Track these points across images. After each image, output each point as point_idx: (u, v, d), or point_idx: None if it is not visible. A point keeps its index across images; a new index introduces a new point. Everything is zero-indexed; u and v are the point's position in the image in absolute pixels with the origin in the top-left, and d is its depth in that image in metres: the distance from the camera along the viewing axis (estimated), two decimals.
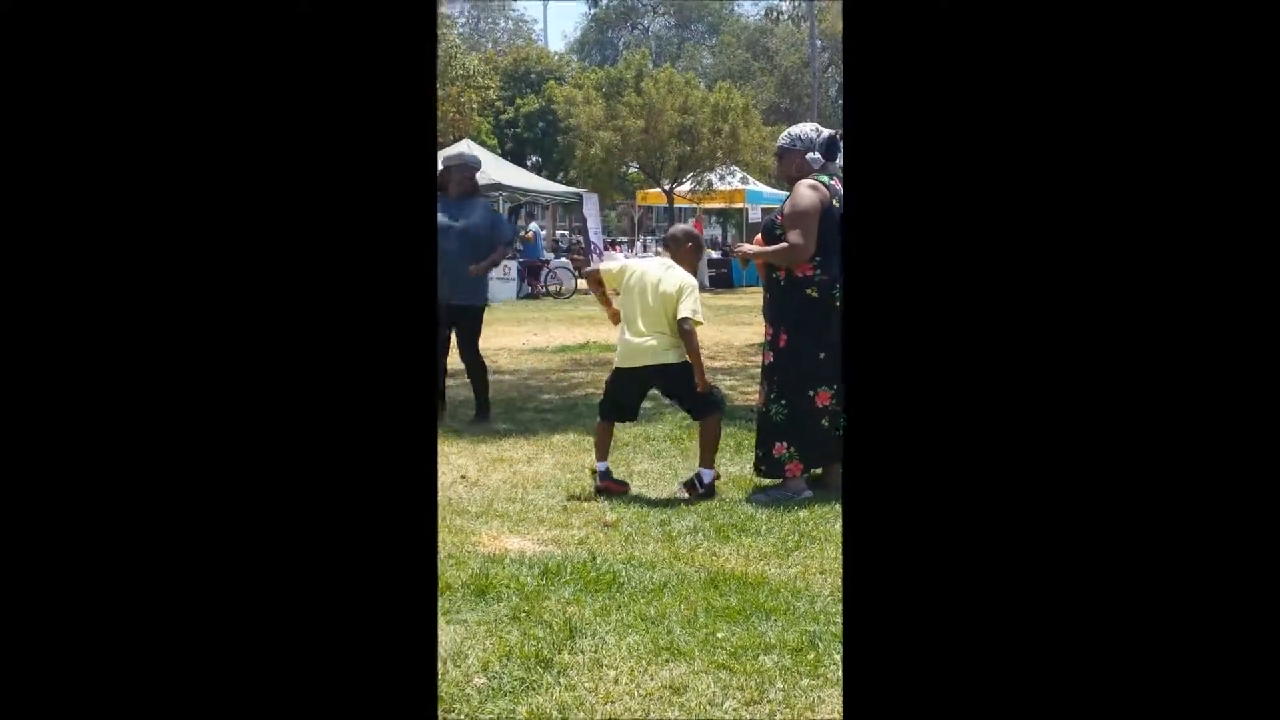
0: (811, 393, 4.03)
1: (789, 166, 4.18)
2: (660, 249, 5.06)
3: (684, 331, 4.07)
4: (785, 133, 4.31)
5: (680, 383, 4.17)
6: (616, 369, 4.28)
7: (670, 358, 4.11)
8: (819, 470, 4.19)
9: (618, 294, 4.27)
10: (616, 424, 4.34)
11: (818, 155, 4.10)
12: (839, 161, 4.13)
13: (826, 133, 4.19)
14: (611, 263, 4.44)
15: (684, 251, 4.35)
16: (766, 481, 4.20)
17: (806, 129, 4.22)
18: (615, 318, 4.33)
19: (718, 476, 4.19)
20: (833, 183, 4.06)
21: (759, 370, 7.73)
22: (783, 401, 4.07)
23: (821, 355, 4.02)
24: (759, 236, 4.42)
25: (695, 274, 4.30)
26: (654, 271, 4.19)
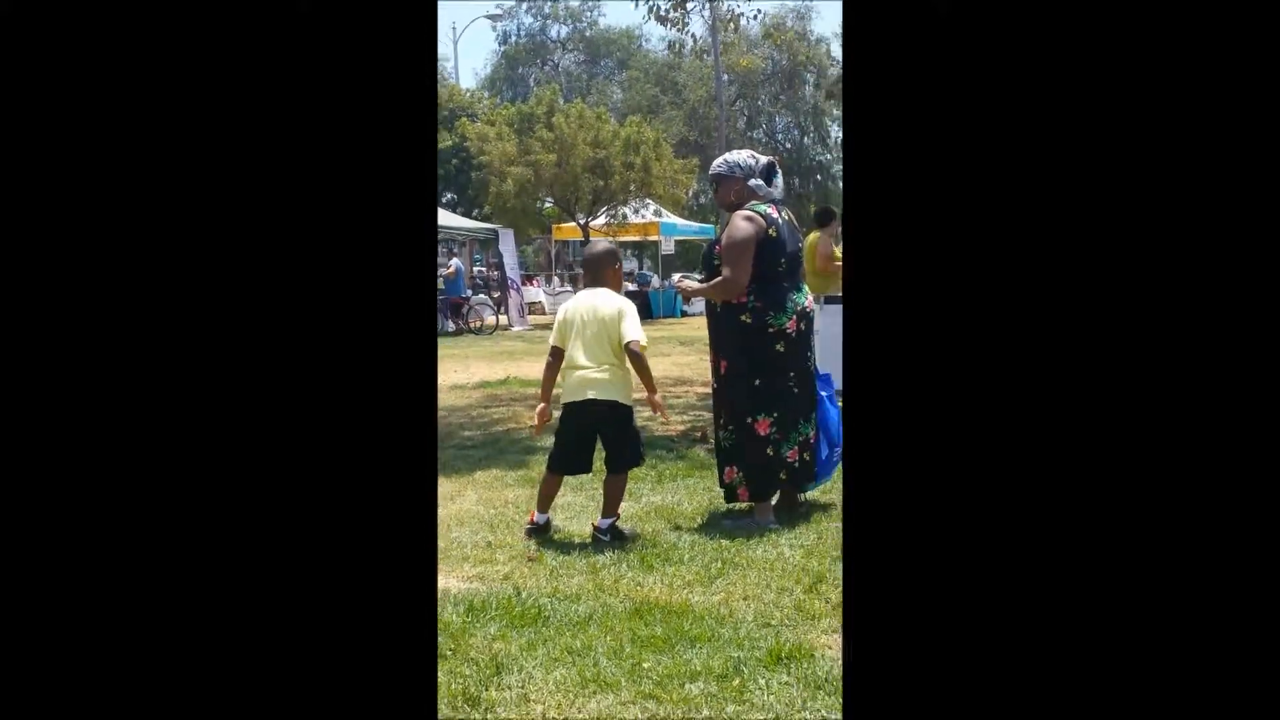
0: (750, 420, 4.05)
1: (726, 193, 4.22)
2: (579, 274, 4.82)
3: (632, 354, 3.91)
4: (722, 159, 4.32)
5: (619, 425, 3.96)
6: (565, 405, 4.00)
7: (616, 394, 3.92)
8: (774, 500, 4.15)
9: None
10: (566, 476, 4.13)
11: (760, 181, 4.15)
12: (776, 187, 4.19)
13: (764, 160, 4.25)
14: (557, 317, 4.13)
15: (607, 273, 4.10)
16: (738, 507, 4.24)
17: (744, 155, 4.27)
18: (542, 416, 4.11)
19: (616, 521, 3.99)
20: (768, 210, 4.08)
21: (678, 401, 7.88)
22: (730, 428, 4.13)
23: (757, 383, 4.02)
24: (684, 282, 4.49)
25: (620, 292, 4.11)
26: (585, 299, 4.02)
